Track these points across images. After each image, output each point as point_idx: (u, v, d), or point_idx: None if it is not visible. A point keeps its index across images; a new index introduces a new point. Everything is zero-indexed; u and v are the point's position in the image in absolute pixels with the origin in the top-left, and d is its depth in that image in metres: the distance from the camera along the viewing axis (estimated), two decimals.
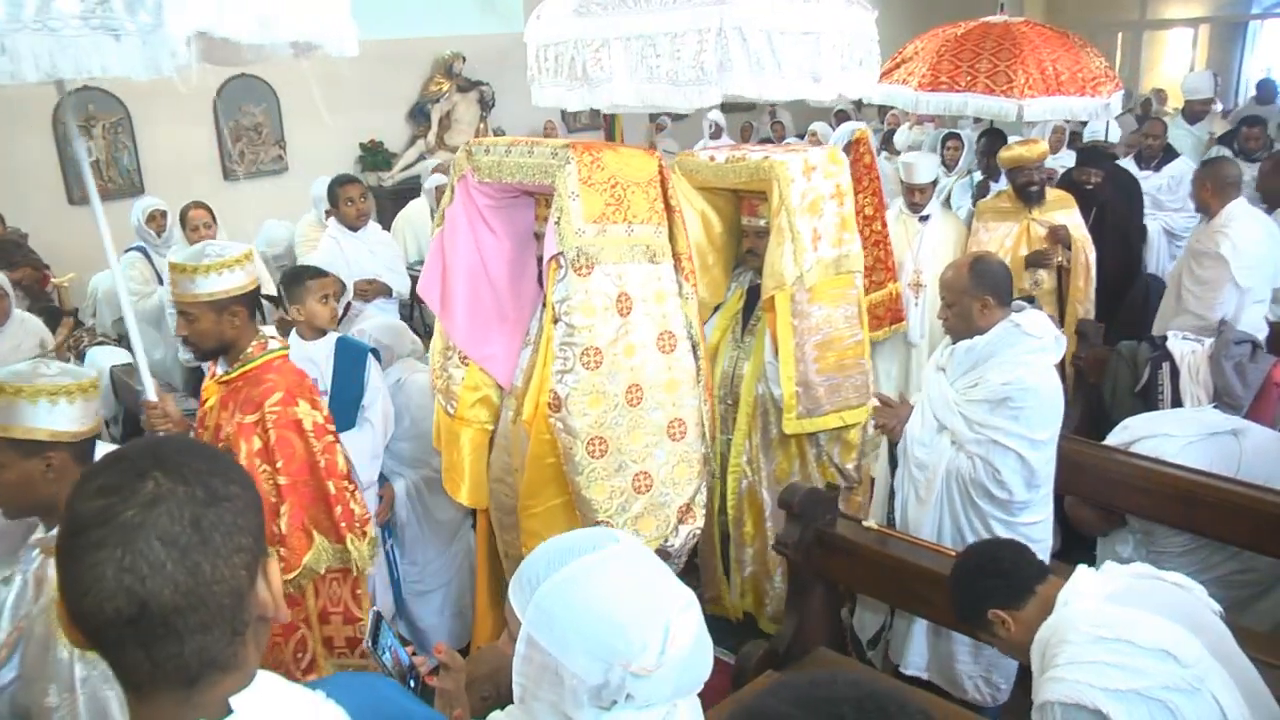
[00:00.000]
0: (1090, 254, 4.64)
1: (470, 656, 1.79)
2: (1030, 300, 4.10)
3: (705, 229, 3.57)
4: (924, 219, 4.78)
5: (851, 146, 4.41)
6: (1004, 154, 4.80)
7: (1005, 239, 4.71)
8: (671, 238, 2.80)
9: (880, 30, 3.42)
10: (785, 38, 3.10)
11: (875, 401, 3.33)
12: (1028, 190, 4.67)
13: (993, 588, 2.08)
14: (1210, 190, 4.29)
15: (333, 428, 2.66)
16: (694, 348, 2.85)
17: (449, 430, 3.05)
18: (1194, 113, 7.08)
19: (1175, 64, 12.83)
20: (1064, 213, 4.71)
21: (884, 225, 4.43)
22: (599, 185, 2.66)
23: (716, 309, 3.66)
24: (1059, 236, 4.61)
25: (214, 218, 5.25)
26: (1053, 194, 4.79)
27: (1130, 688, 1.74)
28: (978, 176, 6.01)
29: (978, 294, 2.89)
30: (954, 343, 3.00)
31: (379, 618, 1.71)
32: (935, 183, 4.81)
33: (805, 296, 3.23)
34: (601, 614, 1.17)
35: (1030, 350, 2.85)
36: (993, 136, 5.85)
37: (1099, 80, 5.02)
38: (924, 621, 3.10)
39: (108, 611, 0.90)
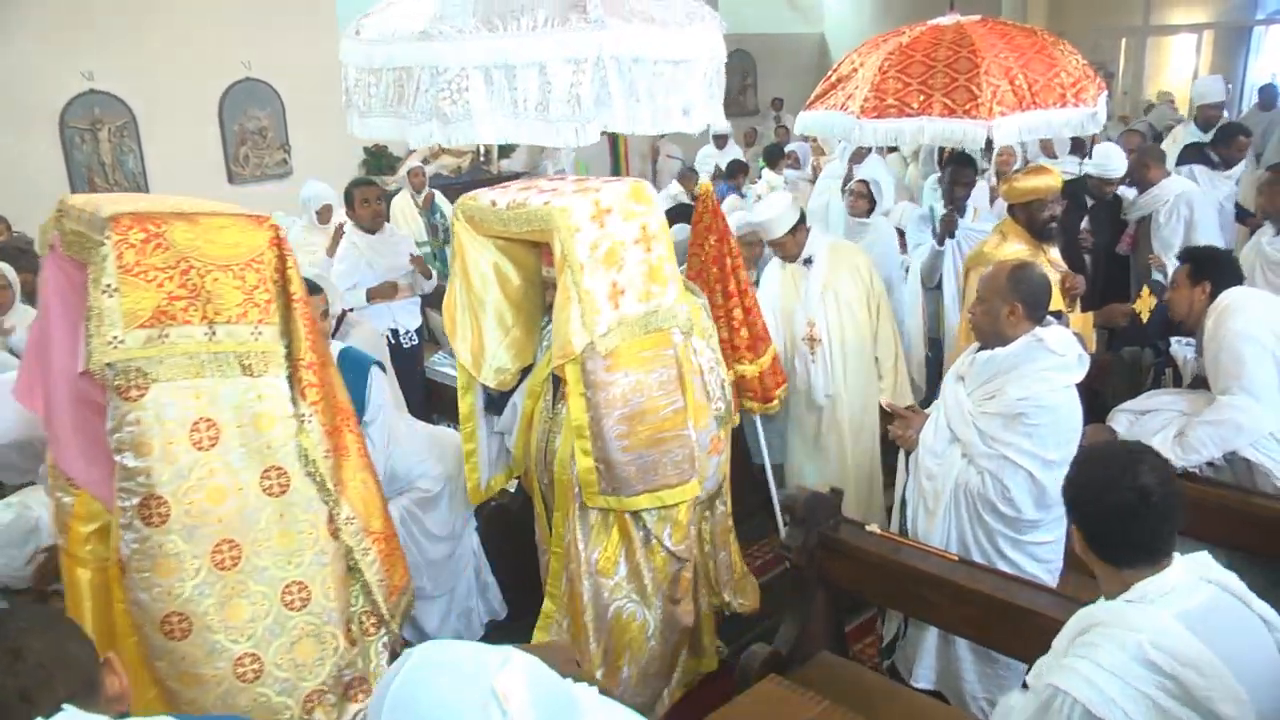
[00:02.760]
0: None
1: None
2: (1059, 315, 3.65)
3: (501, 284, 3.07)
4: (807, 263, 4.03)
5: (696, 203, 3.71)
6: (1017, 184, 3.94)
7: None
8: (289, 338, 2.17)
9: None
10: (658, 67, 2.84)
11: (709, 474, 3.08)
12: (1048, 228, 3.93)
13: (1103, 533, 1.79)
14: None
15: None
16: (321, 487, 2.23)
17: (65, 569, 2.38)
18: (1207, 118, 6.84)
19: (1179, 70, 12.83)
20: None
21: (750, 295, 3.72)
22: (156, 272, 1.99)
23: (526, 373, 3.18)
24: (1073, 288, 4.00)
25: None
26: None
27: None
28: (939, 208, 4.98)
29: (1010, 299, 2.81)
30: (979, 347, 2.94)
31: None
32: (799, 224, 3.99)
33: (603, 364, 2.78)
34: (430, 716, 1.15)
35: (1050, 367, 2.76)
36: (961, 164, 4.89)
37: (1080, 84, 4.11)
38: (935, 633, 3.06)
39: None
